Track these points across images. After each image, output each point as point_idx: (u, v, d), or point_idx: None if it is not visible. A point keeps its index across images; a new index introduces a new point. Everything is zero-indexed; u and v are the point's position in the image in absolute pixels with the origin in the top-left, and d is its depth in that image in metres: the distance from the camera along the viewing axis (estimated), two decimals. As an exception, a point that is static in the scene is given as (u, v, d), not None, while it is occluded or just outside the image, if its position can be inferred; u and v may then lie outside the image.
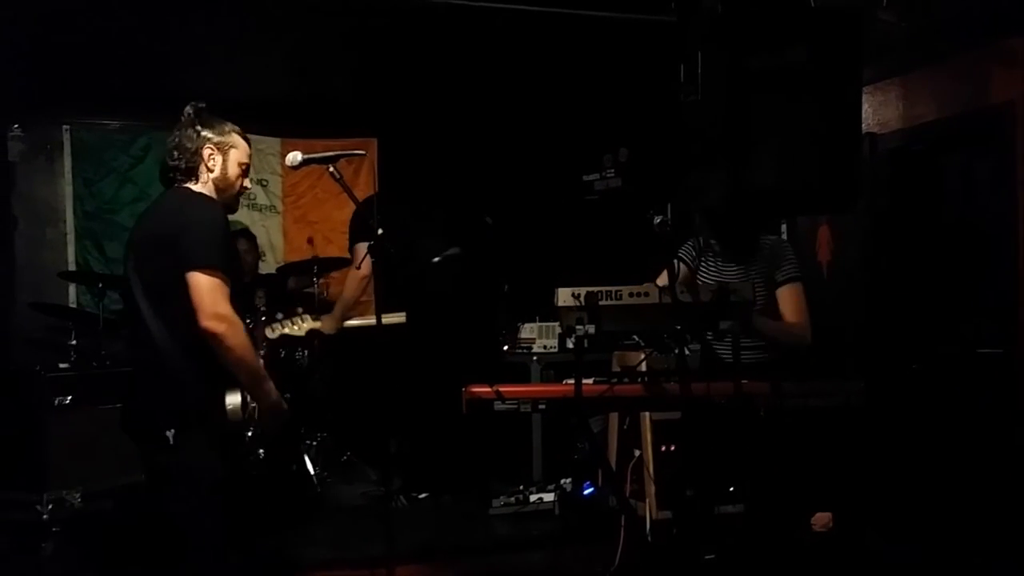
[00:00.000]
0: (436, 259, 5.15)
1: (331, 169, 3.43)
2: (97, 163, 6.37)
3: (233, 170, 3.07)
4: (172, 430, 2.76)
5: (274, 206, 6.73)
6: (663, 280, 3.40)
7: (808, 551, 3.88)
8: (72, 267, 6.26)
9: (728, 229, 3.94)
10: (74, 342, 5.45)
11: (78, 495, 4.83)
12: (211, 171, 3.02)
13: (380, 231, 3.59)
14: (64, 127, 6.31)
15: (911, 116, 5.08)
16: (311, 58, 5.71)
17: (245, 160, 3.11)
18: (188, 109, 3.06)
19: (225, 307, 2.76)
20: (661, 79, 4.67)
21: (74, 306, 6.18)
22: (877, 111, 5.23)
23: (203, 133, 3.00)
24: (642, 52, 5.00)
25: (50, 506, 4.74)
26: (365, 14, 4.94)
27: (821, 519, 3.98)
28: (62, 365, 5.18)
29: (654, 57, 4.67)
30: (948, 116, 4.85)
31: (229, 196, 3.09)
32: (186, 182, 3.01)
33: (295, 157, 3.46)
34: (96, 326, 5.51)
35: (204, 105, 3.08)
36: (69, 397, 4.97)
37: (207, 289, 2.74)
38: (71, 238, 6.32)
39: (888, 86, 5.19)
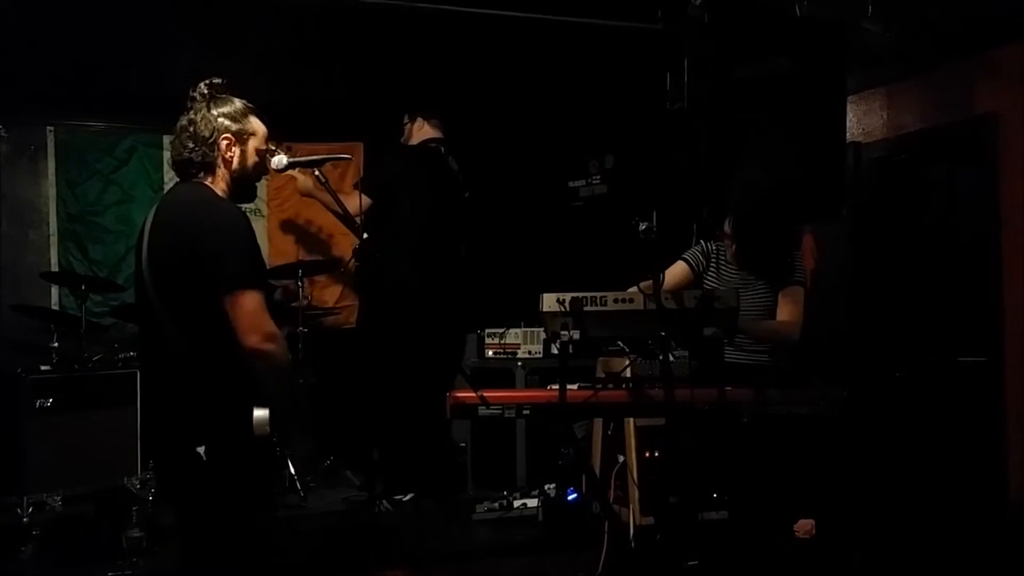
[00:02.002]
0: None
1: (316, 173, 3.41)
2: (81, 165, 6.31)
3: (252, 159, 2.89)
4: (203, 447, 2.63)
5: (259, 209, 6.68)
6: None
7: (791, 558, 3.89)
8: (55, 269, 6.21)
9: (755, 237, 3.96)
10: (56, 344, 5.39)
11: (59, 498, 4.78)
12: (229, 164, 2.84)
13: (365, 235, 3.59)
14: (48, 128, 6.25)
15: (896, 126, 5.11)
16: (297, 61, 5.69)
17: (264, 146, 2.95)
18: (202, 87, 2.85)
19: (271, 324, 2.62)
20: (647, 86, 4.70)
21: (56, 308, 6.13)
22: (862, 120, 5.26)
23: (219, 120, 2.81)
24: (629, 59, 5.01)
25: (31, 509, 4.69)
26: (352, 18, 4.93)
27: (804, 526, 4.00)
28: (44, 367, 5.12)
29: (641, 64, 4.70)
30: (932, 126, 4.88)
31: (248, 186, 2.94)
32: (202, 177, 2.82)
33: (280, 160, 3.43)
34: (78, 328, 5.45)
35: (220, 81, 2.86)
36: (51, 400, 4.93)
37: (251, 310, 2.58)
38: (54, 240, 6.26)
39: (873, 96, 5.22)
